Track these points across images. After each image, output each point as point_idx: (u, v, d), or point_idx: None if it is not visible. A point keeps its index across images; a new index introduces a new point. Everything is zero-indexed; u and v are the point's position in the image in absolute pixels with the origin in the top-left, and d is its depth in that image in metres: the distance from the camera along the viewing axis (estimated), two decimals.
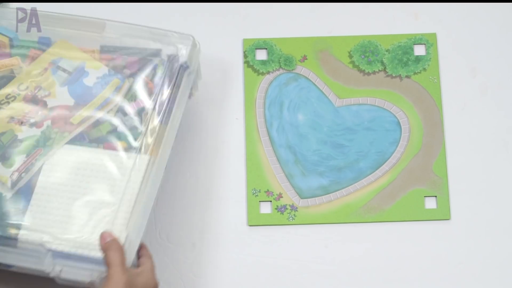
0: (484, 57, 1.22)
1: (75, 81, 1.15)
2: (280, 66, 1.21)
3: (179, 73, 1.12)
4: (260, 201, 1.17)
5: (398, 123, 1.20)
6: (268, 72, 1.21)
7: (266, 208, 1.17)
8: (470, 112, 1.21)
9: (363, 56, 1.22)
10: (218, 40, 1.22)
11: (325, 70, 1.22)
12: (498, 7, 1.24)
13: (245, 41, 1.22)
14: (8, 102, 1.15)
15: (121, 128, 1.12)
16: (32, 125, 1.13)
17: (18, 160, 1.11)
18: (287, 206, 1.17)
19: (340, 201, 1.17)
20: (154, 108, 1.11)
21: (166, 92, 1.12)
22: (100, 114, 1.12)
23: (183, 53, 1.12)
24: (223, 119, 1.20)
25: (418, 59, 1.21)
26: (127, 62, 1.15)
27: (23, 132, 1.13)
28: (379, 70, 1.21)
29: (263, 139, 1.19)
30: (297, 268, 1.15)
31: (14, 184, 1.10)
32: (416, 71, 1.21)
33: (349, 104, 1.20)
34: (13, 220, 1.07)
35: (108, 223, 1.05)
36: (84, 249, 1.04)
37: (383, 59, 1.21)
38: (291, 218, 1.17)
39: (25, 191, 1.09)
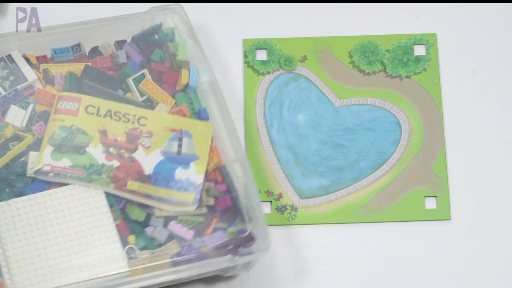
0: (485, 57, 1.22)
1: (172, 162, 1.09)
2: (280, 66, 1.22)
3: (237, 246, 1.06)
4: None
5: (398, 123, 1.20)
6: (268, 72, 1.21)
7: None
8: (470, 112, 1.21)
9: (363, 56, 1.22)
10: (218, 40, 1.22)
11: (325, 70, 1.22)
12: (498, 7, 1.24)
13: (245, 41, 1.22)
14: (119, 119, 1.10)
15: (150, 231, 1.06)
16: (106, 152, 1.08)
17: (64, 161, 1.07)
18: (287, 206, 1.17)
19: (340, 201, 1.17)
20: (182, 251, 1.05)
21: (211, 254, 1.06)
22: (149, 203, 1.07)
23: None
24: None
25: (418, 59, 1.21)
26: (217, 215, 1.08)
27: (95, 149, 1.08)
28: (379, 70, 1.21)
29: (263, 139, 1.19)
30: (297, 268, 1.15)
31: (38, 172, 1.06)
32: (416, 71, 1.21)
33: (349, 104, 1.20)
34: (6, 191, 1.06)
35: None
36: None
37: (383, 59, 1.21)
38: (291, 218, 1.17)
39: (34, 187, 1.07)
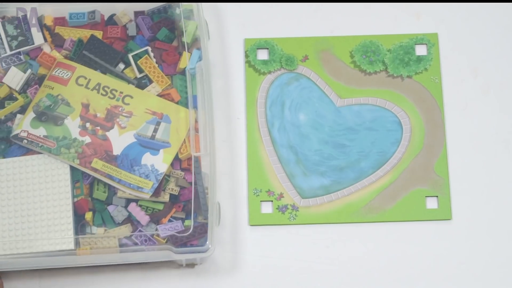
0: (486, 57, 1.22)
1: (143, 146, 1.10)
2: (282, 66, 1.21)
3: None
4: (261, 201, 1.17)
5: (400, 123, 1.20)
6: (270, 72, 1.21)
7: (267, 208, 1.17)
8: (471, 112, 1.21)
9: (364, 56, 1.22)
10: (220, 40, 1.22)
11: (326, 70, 1.22)
12: (500, 7, 1.24)
13: (246, 41, 1.22)
14: (105, 94, 1.12)
15: (111, 209, 1.09)
16: (82, 127, 1.10)
17: (40, 129, 1.10)
18: (288, 206, 1.17)
19: (342, 201, 1.17)
20: (132, 236, 1.08)
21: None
22: (110, 183, 1.09)
23: None
24: (225, 119, 1.20)
25: (419, 59, 1.21)
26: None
27: (73, 122, 1.11)
28: (380, 70, 1.21)
29: (264, 138, 1.19)
30: (298, 268, 1.15)
31: (15, 137, 1.10)
32: (418, 71, 1.21)
33: (350, 104, 1.20)
34: None
35: None
36: None
37: (385, 59, 1.21)
38: (292, 218, 1.17)
39: (11, 152, 1.10)
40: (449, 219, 1.17)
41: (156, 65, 1.14)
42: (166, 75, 1.14)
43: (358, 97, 1.20)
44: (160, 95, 1.13)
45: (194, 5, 1.15)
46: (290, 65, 1.21)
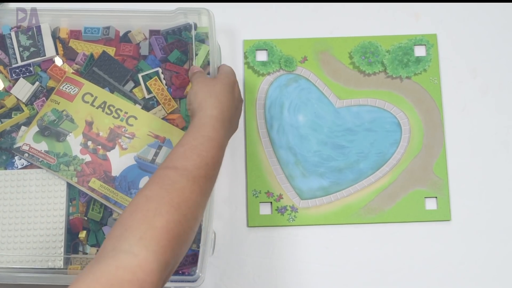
0: (485, 58, 1.22)
1: (142, 169, 1.10)
2: (281, 67, 1.21)
3: None
4: (260, 202, 1.17)
5: (399, 124, 1.20)
6: (269, 73, 1.21)
7: (266, 209, 1.17)
8: (470, 113, 1.21)
9: (363, 57, 1.21)
10: (219, 41, 1.22)
11: (325, 71, 1.21)
12: (498, 7, 1.24)
13: (245, 42, 1.22)
14: (110, 113, 1.12)
15: (106, 230, 1.09)
16: (84, 145, 1.10)
17: (42, 144, 1.10)
18: (288, 207, 1.17)
19: (341, 202, 1.17)
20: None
21: None
22: (106, 204, 1.09)
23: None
24: None
25: (418, 60, 1.21)
26: None
27: (75, 139, 1.10)
28: (379, 71, 1.21)
29: (263, 140, 1.19)
30: (298, 269, 1.15)
31: (17, 149, 1.10)
32: (417, 72, 1.21)
33: (349, 105, 1.20)
34: None
35: None
36: None
37: (384, 60, 1.21)
38: (291, 219, 1.17)
39: (12, 163, 1.10)
40: (448, 220, 1.17)
41: (165, 87, 1.14)
42: (174, 98, 1.14)
43: (357, 98, 1.20)
44: (165, 118, 1.13)
45: (208, 28, 1.14)
46: (289, 66, 1.21)
